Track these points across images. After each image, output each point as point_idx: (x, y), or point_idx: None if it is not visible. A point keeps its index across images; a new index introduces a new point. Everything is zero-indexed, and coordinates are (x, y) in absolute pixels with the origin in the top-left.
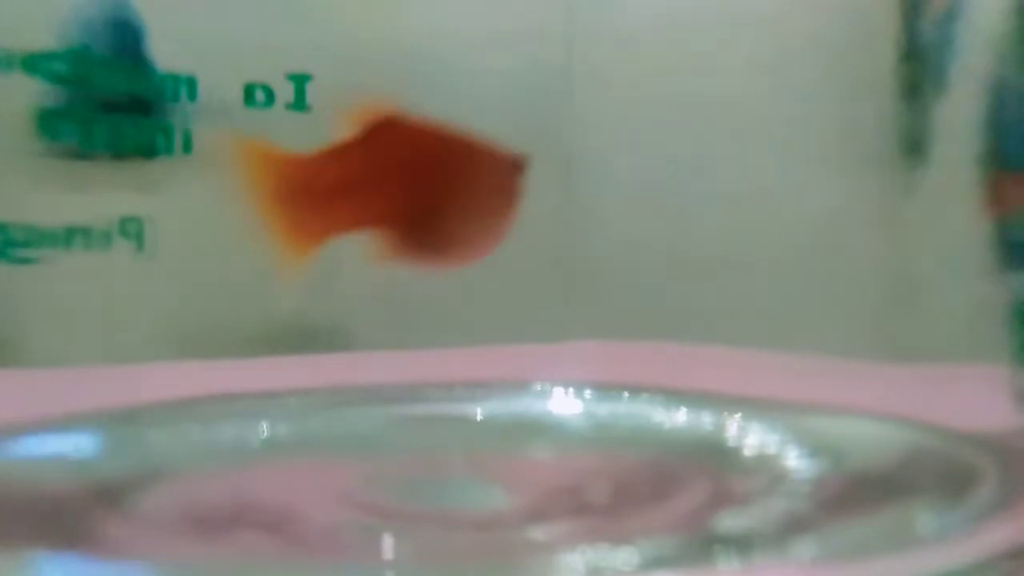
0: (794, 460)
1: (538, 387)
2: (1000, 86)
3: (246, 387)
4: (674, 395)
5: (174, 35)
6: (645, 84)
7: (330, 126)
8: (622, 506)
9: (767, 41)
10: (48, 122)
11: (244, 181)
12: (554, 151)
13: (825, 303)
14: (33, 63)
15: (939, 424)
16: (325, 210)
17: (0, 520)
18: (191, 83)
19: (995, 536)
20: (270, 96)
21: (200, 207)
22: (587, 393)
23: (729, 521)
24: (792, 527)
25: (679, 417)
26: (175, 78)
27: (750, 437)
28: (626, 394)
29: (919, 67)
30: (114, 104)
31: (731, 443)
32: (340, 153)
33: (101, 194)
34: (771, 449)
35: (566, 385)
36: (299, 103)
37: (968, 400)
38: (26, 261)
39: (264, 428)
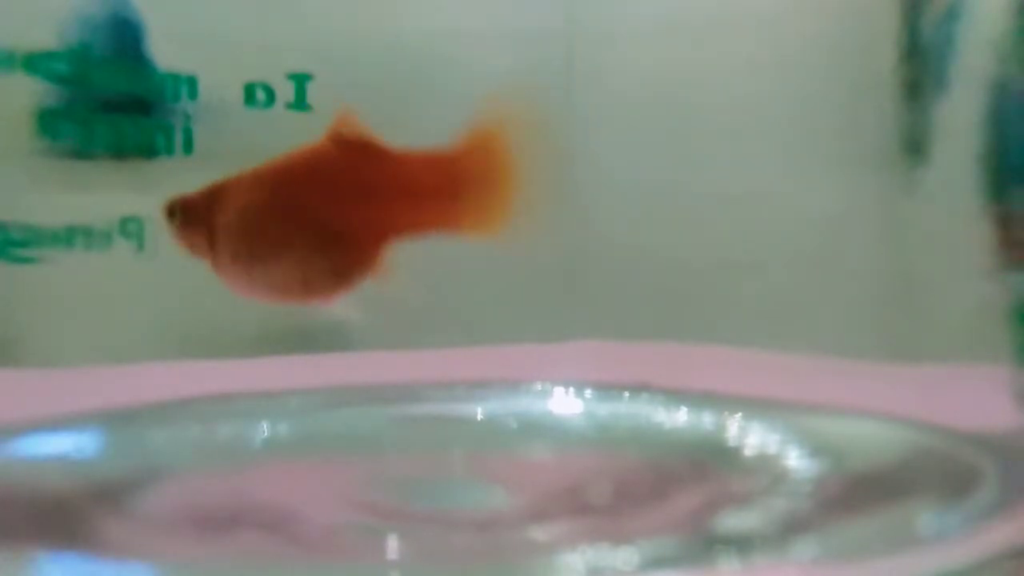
0: (795, 460)
1: (538, 387)
2: (1001, 86)
3: (246, 387)
4: (674, 395)
5: (174, 35)
6: (645, 84)
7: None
8: (622, 506)
9: (768, 41)
10: (48, 122)
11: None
12: (554, 150)
13: (826, 303)
14: (34, 63)
15: (939, 424)
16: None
17: (1, 520)
18: (191, 83)
19: (995, 536)
20: (271, 96)
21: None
22: (587, 393)
23: (729, 521)
24: (792, 527)
25: (680, 417)
26: (175, 78)
27: (751, 437)
28: (626, 394)
29: (920, 67)
30: (114, 104)
31: (732, 443)
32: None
33: (101, 194)
34: (772, 449)
35: (566, 385)
36: (300, 103)
37: (969, 400)
38: (26, 261)
39: (264, 428)
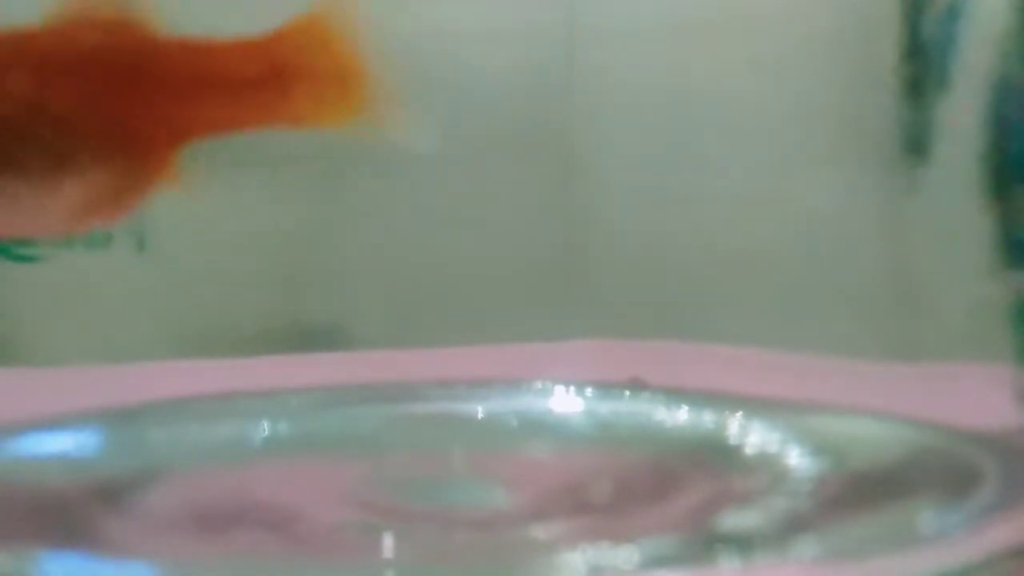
0: (795, 459)
1: (539, 386)
2: (1002, 84)
3: (246, 387)
4: (675, 394)
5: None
6: (646, 83)
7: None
8: (623, 505)
9: (769, 39)
10: None
11: None
12: (554, 150)
13: (827, 302)
14: None
15: (941, 423)
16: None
17: (1, 519)
18: None
19: (997, 535)
20: None
21: (201, 207)
22: (588, 391)
23: (730, 520)
24: (793, 526)
25: (680, 416)
26: None
27: (751, 436)
28: (627, 393)
29: (921, 65)
30: None
31: (732, 442)
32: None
33: None
34: (772, 448)
35: (567, 384)
36: None
37: (970, 399)
38: (27, 260)
39: (264, 427)
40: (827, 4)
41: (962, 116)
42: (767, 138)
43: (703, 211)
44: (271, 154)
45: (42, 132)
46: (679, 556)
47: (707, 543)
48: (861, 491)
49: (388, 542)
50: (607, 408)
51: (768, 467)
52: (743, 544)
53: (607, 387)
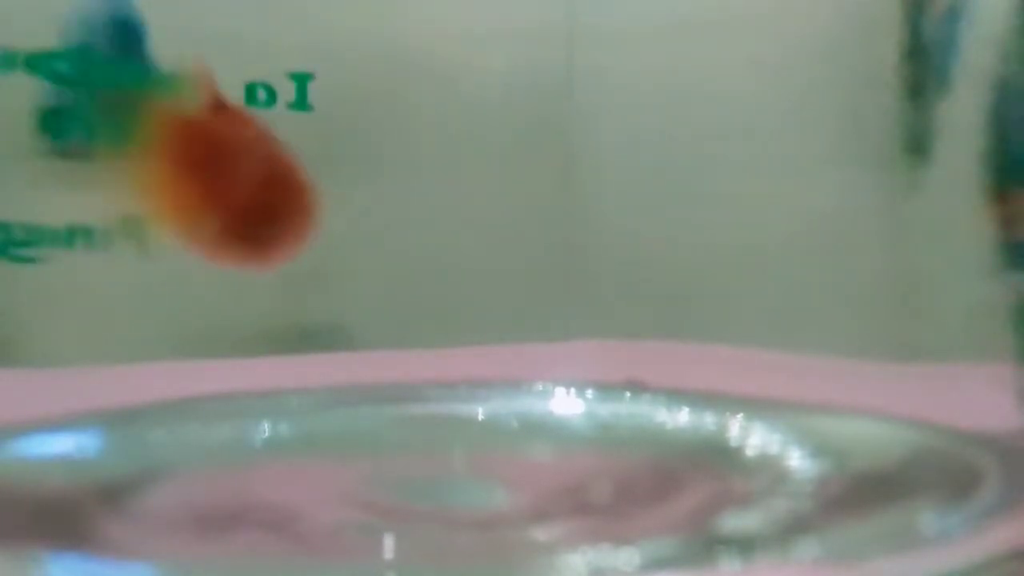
0: (796, 460)
1: (539, 387)
2: (1003, 84)
3: (246, 387)
4: (676, 395)
5: (176, 34)
6: (646, 83)
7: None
8: (624, 506)
9: (768, 39)
10: (50, 121)
11: None
12: (554, 150)
13: (827, 302)
14: (35, 62)
15: (942, 424)
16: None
17: (1, 520)
18: None
19: (998, 537)
20: (272, 95)
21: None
22: (589, 393)
23: (731, 521)
24: (794, 527)
25: (681, 417)
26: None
27: (752, 437)
28: (628, 394)
29: (922, 65)
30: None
31: (733, 443)
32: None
33: (103, 193)
34: (773, 449)
35: (567, 384)
36: (301, 102)
37: (971, 400)
38: (27, 260)
39: (265, 428)
40: (827, 4)
41: (963, 116)
42: (767, 138)
43: (703, 211)
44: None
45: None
46: (680, 557)
47: (708, 544)
48: (862, 492)
49: (388, 543)
50: (608, 409)
51: (769, 468)
52: (744, 545)
53: (608, 388)
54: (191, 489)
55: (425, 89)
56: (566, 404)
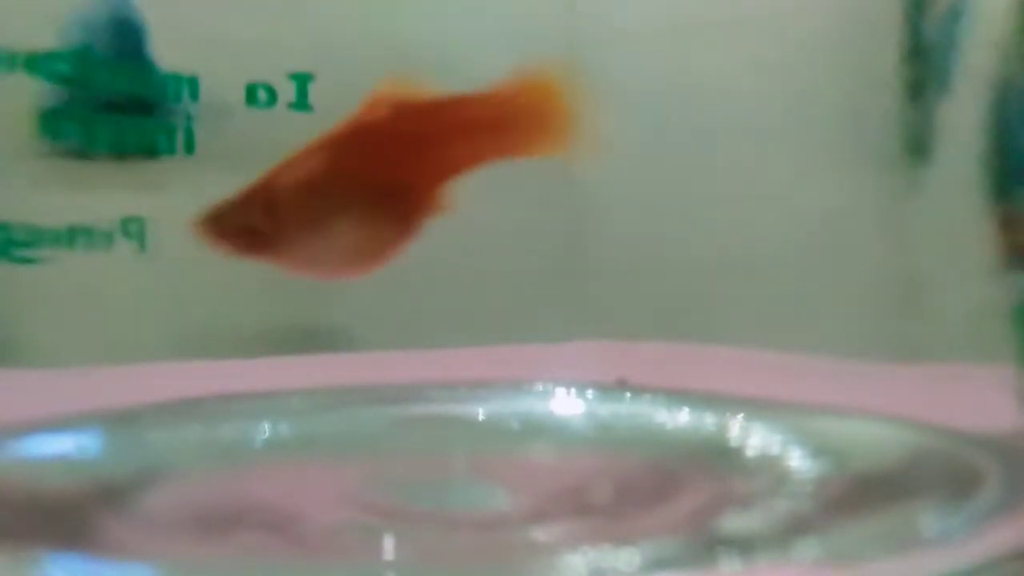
0: (797, 461)
1: (540, 387)
2: (1003, 85)
3: (246, 387)
4: (676, 395)
5: (176, 35)
6: (647, 84)
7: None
8: (624, 507)
9: (770, 41)
10: (50, 122)
11: None
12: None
13: (828, 303)
14: (35, 63)
15: (943, 425)
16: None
17: (1, 520)
18: (193, 83)
19: (999, 537)
20: (272, 96)
21: (202, 207)
22: (589, 393)
23: (732, 522)
24: (795, 528)
25: (681, 417)
26: (177, 78)
27: (753, 438)
28: (628, 394)
29: (922, 66)
30: (116, 104)
31: (734, 444)
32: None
33: (103, 194)
34: (774, 450)
35: (568, 385)
36: (301, 103)
37: (972, 401)
38: (28, 261)
39: (265, 428)
40: (828, 5)
41: (963, 117)
42: (767, 139)
43: (704, 212)
44: (272, 153)
45: (338, 194)
46: (680, 558)
47: (708, 545)
48: (863, 493)
49: (389, 543)
50: (608, 410)
51: (769, 469)
52: (744, 546)
53: (608, 388)
54: (191, 489)
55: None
56: (566, 405)
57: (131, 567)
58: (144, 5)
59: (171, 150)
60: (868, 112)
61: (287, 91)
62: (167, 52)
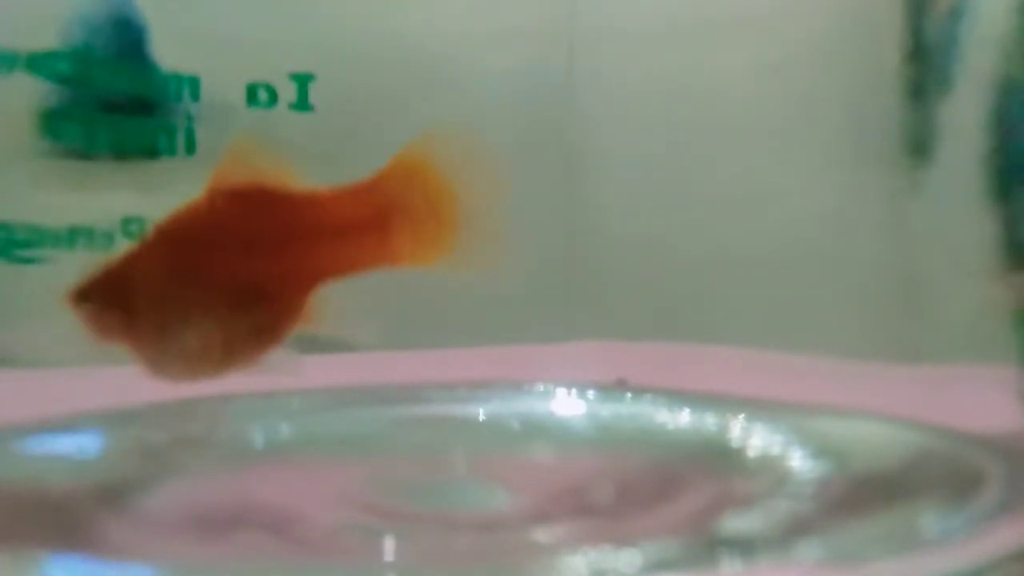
0: (798, 461)
1: (540, 388)
2: (1005, 85)
3: (247, 387)
4: (677, 396)
5: (177, 35)
6: (647, 84)
7: (333, 126)
8: (625, 508)
9: (770, 41)
10: (51, 122)
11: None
12: (555, 151)
13: (829, 303)
14: (36, 63)
15: (944, 425)
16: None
17: (1, 520)
18: (194, 83)
19: (1000, 538)
20: (273, 96)
21: None
22: (590, 394)
23: (733, 523)
24: (796, 529)
25: (682, 418)
26: (178, 78)
27: (754, 438)
28: (629, 395)
29: (923, 67)
30: (117, 104)
31: (735, 444)
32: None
33: (104, 194)
34: (775, 450)
35: (568, 385)
36: (302, 103)
37: (973, 401)
38: (29, 261)
39: (266, 429)
40: (829, 6)
41: (964, 117)
42: (769, 139)
43: (705, 212)
44: (272, 153)
45: (194, 294)
46: (681, 559)
47: (709, 546)
48: (864, 494)
49: (389, 544)
50: (609, 410)
51: (770, 470)
52: (745, 547)
53: (608, 389)
54: (191, 490)
55: (426, 90)
56: (567, 405)
57: (131, 567)
58: (145, 5)
59: (172, 150)
60: (869, 112)
61: (288, 91)
62: (168, 52)
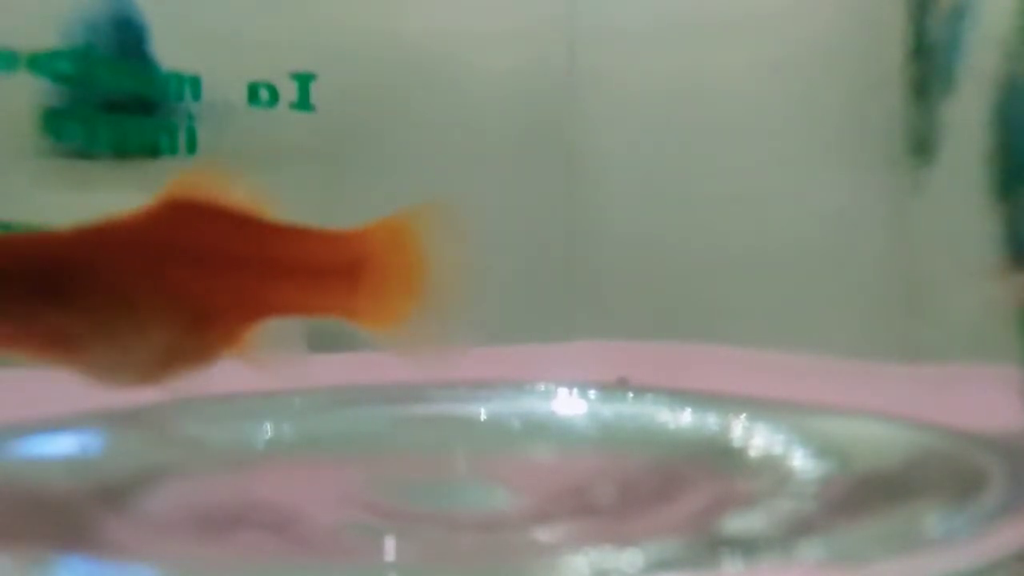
0: (800, 461)
1: (542, 387)
2: (1008, 84)
3: (248, 387)
4: (679, 395)
5: (178, 34)
6: (648, 83)
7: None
8: (627, 507)
9: (773, 40)
10: (52, 122)
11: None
12: (556, 151)
13: (832, 303)
14: (37, 62)
15: (946, 425)
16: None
17: (2, 520)
18: (195, 82)
19: (1003, 538)
20: (274, 95)
21: None
22: (591, 393)
23: (734, 522)
24: (798, 529)
25: (684, 418)
26: (179, 77)
27: (756, 438)
28: (630, 395)
29: (926, 66)
30: (118, 103)
31: (736, 444)
32: None
33: (105, 193)
34: (777, 450)
35: (569, 385)
36: (303, 102)
37: (975, 401)
38: None
39: (267, 428)
40: (832, 5)
41: (967, 117)
42: (771, 138)
43: (706, 212)
44: (273, 152)
45: (137, 301)
46: (683, 559)
47: (711, 546)
48: (866, 493)
49: (390, 544)
50: (610, 410)
51: (772, 469)
52: (747, 547)
53: (609, 388)
54: (192, 490)
55: (427, 89)
56: (568, 405)
57: (132, 567)
58: (146, 4)
59: (173, 150)
60: (872, 111)
61: (289, 91)
62: (169, 51)
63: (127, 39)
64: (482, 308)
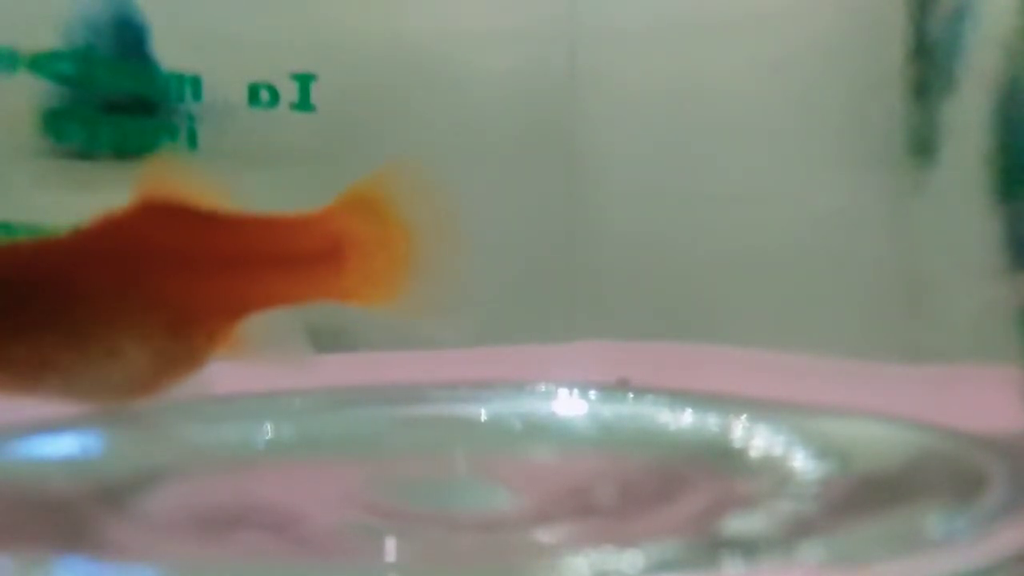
0: (801, 462)
1: (542, 388)
2: (1009, 85)
3: (248, 387)
4: (679, 396)
5: (178, 35)
6: (648, 83)
7: (334, 126)
8: (627, 508)
9: (773, 40)
10: (53, 122)
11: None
12: (556, 151)
13: (833, 303)
14: (38, 63)
15: (948, 426)
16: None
17: (2, 520)
18: (195, 83)
19: (1004, 539)
20: (275, 96)
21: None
22: (591, 394)
23: (735, 524)
24: (799, 530)
25: (684, 418)
26: (179, 78)
27: (756, 438)
28: (630, 395)
29: (927, 66)
30: (119, 104)
31: (737, 445)
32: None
33: (106, 194)
34: (777, 451)
35: (570, 385)
36: (304, 103)
37: (976, 401)
38: None
39: (267, 428)
40: (833, 5)
41: (968, 117)
42: (772, 139)
43: (707, 212)
44: (274, 151)
45: (117, 311)
46: (683, 560)
47: (712, 547)
48: (867, 494)
49: (391, 544)
50: (610, 411)
51: (773, 470)
52: (748, 548)
53: (610, 389)
54: (192, 490)
55: (427, 90)
56: (569, 405)
57: (132, 568)
58: (147, 5)
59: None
60: (872, 111)
61: (290, 91)
62: (170, 52)
63: (127, 39)
64: (483, 308)
